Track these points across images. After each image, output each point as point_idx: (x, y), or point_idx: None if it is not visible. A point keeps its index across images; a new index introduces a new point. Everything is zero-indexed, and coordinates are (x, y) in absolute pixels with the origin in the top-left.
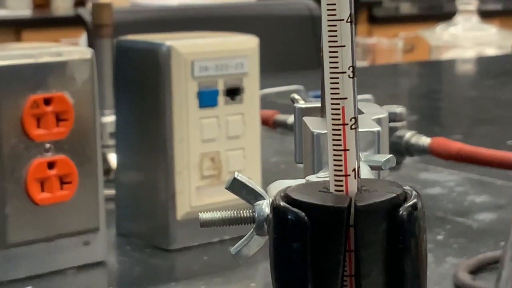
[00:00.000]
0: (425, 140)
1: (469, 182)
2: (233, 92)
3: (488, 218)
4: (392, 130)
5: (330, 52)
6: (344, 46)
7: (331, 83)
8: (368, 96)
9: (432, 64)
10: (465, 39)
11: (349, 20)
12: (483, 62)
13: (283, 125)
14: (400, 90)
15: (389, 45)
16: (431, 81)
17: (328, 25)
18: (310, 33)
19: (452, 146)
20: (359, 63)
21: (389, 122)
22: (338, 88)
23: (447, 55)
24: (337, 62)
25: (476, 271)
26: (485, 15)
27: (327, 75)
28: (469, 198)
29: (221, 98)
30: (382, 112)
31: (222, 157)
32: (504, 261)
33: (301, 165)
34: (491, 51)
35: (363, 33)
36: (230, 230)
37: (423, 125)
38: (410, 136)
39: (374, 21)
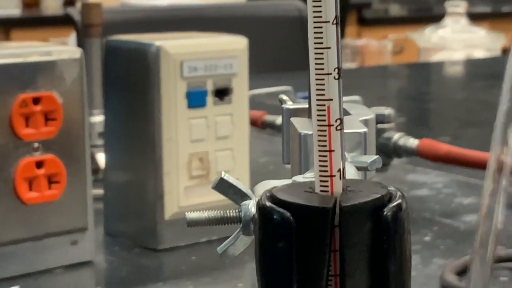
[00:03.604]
0: (413, 142)
1: (457, 184)
2: (222, 93)
3: (475, 220)
4: (380, 131)
5: (315, 53)
6: (329, 48)
7: (316, 84)
8: (356, 98)
9: (421, 66)
10: (454, 41)
11: (334, 22)
12: (472, 65)
13: (271, 126)
14: (389, 92)
15: (378, 46)
16: (419, 83)
17: (314, 27)
18: (299, 34)
19: (440, 147)
20: (348, 65)
21: (378, 123)
22: (323, 90)
23: (435, 57)
24: (322, 64)
25: (462, 272)
26: (474, 17)
27: (312, 77)
28: (457, 200)
29: (210, 99)
30: (369, 114)
31: (210, 158)
32: (473, 264)
33: (289, 166)
34: (479, 54)
35: (352, 34)
36: (218, 230)
37: (411, 127)
38: (398, 137)
39: (364, 22)
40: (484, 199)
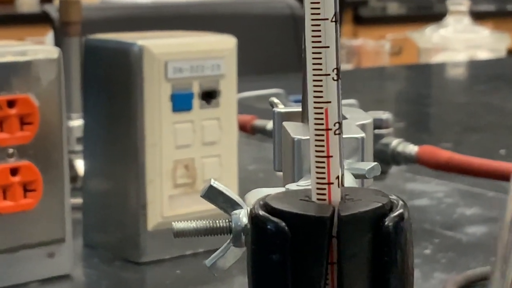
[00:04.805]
0: (412, 148)
1: (459, 193)
2: (209, 95)
3: (478, 232)
4: (377, 137)
5: (313, 53)
6: (328, 47)
7: (314, 86)
8: (352, 101)
9: (420, 67)
10: (456, 41)
11: (333, 19)
12: (475, 66)
13: (261, 131)
14: (387, 95)
15: (376, 47)
16: (419, 86)
17: (312, 25)
18: (291, 33)
19: (441, 154)
20: (344, 66)
21: (375, 128)
22: (321, 92)
23: (436, 58)
24: (320, 64)
25: (465, 287)
26: (478, 16)
27: (310, 78)
28: (459, 210)
29: (196, 102)
30: (367, 118)
31: (196, 165)
32: (493, 279)
33: (280, 173)
34: (483, 55)
35: (348, 34)
36: (205, 242)
37: (411, 132)
38: (397, 144)
39: (360, 21)
40: (507, 211)
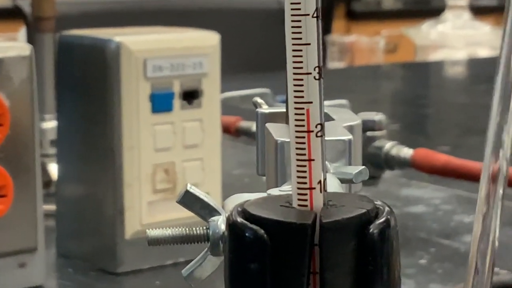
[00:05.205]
0: (407, 152)
1: (457, 200)
2: (191, 95)
3: None
4: (370, 140)
5: (293, 50)
6: (309, 44)
7: (294, 85)
8: (343, 101)
9: (417, 66)
10: (455, 38)
11: (315, 15)
12: (475, 64)
13: (247, 133)
14: (381, 95)
15: (370, 44)
16: (416, 85)
17: (292, 21)
18: (279, 29)
19: (437, 158)
20: (336, 64)
21: (367, 131)
22: (302, 91)
23: (434, 56)
24: (301, 62)
25: None
26: (478, 11)
27: (290, 77)
28: (457, 218)
29: (177, 102)
30: (355, 119)
31: (177, 169)
32: None
33: (264, 178)
34: (484, 52)
35: (340, 30)
36: (185, 251)
37: (406, 135)
38: (390, 147)
39: (353, 16)
40: (477, 216)
